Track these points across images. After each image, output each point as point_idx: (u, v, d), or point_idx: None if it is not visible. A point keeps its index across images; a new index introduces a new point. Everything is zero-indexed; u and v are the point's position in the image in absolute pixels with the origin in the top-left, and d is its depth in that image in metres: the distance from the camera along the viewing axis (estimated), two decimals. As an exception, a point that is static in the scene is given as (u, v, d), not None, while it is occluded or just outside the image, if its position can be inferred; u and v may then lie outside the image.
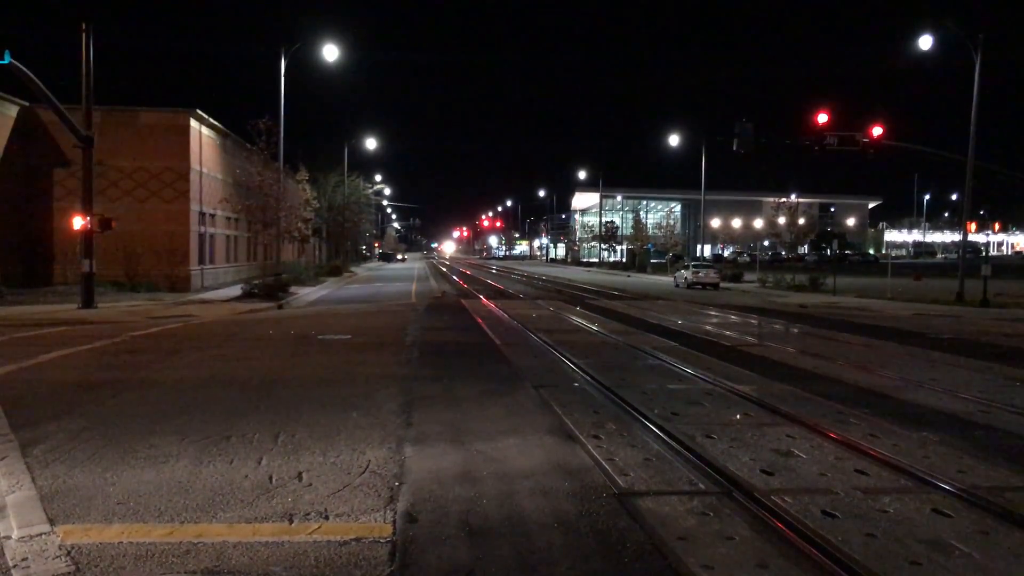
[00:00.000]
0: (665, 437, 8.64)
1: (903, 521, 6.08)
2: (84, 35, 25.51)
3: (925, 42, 32.87)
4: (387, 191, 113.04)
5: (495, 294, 39.43)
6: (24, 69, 22.59)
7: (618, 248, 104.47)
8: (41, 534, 5.70)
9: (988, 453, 8.18)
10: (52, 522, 5.94)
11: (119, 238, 31.97)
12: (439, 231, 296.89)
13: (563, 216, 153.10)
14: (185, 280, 35.80)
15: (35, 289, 31.58)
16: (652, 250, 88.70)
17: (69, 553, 5.37)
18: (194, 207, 36.84)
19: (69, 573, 5.10)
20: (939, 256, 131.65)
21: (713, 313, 27.71)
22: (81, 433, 8.70)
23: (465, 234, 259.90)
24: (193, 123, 36.71)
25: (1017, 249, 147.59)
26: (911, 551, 5.49)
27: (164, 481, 7.00)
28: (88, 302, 25.58)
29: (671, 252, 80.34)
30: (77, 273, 27.54)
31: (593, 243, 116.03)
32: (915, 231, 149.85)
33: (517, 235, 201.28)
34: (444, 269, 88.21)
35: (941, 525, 6.01)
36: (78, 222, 26.07)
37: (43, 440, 8.38)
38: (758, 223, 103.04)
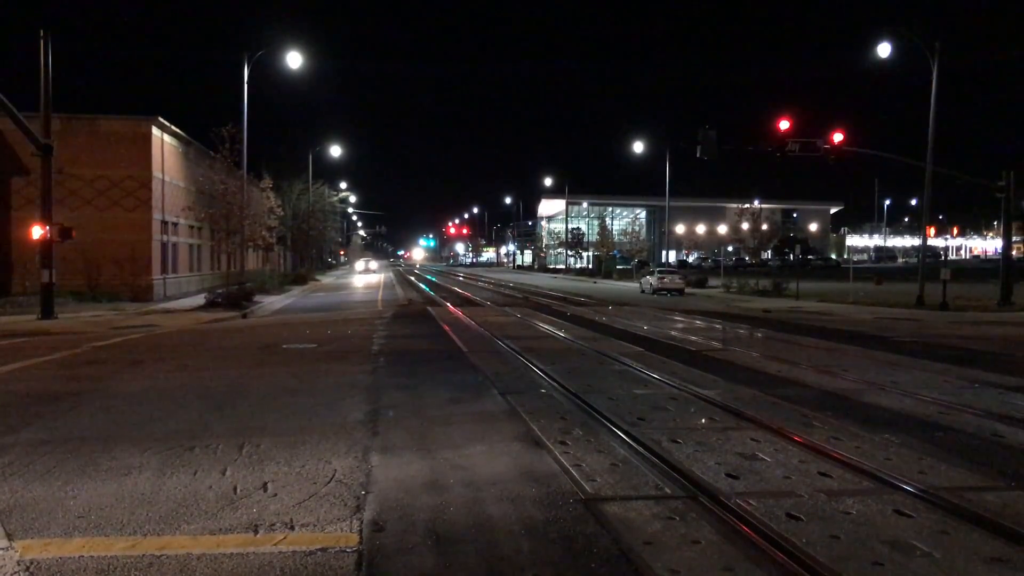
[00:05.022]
0: (631, 442, 8.67)
1: (866, 522, 6.15)
2: (43, 42, 25.17)
3: (884, 49, 33.50)
4: (352, 199, 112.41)
5: (462, 301, 39.37)
6: (-20, 76, 22.22)
7: (584, 254, 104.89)
8: (-1, 549, 5.59)
9: (948, 454, 8.30)
10: (10, 537, 5.83)
11: (80, 248, 31.57)
12: (406, 238, 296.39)
13: (530, 223, 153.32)
14: (147, 290, 35.39)
15: (-8, 300, 31.00)
16: (618, 256, 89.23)
17: (28, 568, 5.27)
18: (156, 216, 36.44)
19: (28, 589, 5.00)
20: (900, 260, 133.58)
21: (678, 318, 27.89)
22: (40, 446, 8.55)
23: (432, 241, 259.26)
24: (155, 131, 36.33)
25: (975, 253, 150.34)
26: (874, 552, 5.56)
27: (126, 493, 6.90)
28: (48, 313, 25.18)
29: (637, 258, 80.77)
30: (36, 283, 27.10)
31: (560, 250, 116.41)
32: (876, 236, 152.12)
33: (484, 242, 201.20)
34: (411, 277, 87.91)
35: (903, 525, 6.09)
36: (37, 231, 25.67)
37: (1, 453, 8.23)
38: (722, 229, 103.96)
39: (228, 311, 29.91)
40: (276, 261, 69.66)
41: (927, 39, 33.39)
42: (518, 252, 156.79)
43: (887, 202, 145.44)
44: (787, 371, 14.40)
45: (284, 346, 18.31)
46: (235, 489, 7.03)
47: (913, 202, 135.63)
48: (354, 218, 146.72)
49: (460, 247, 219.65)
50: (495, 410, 10.65)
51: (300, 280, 60.22)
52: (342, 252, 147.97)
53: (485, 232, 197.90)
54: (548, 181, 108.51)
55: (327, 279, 75.96)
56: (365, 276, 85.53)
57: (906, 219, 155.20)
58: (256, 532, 5.95)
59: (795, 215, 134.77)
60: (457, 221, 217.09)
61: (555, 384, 12.67)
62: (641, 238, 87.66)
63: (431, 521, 6.16)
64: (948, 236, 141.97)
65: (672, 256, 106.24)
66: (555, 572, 5.23)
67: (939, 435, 9.23)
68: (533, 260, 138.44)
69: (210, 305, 31.40)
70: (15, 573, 5.20)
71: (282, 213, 56.75)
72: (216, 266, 48.18)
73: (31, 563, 5.36)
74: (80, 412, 10.53)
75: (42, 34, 25.19)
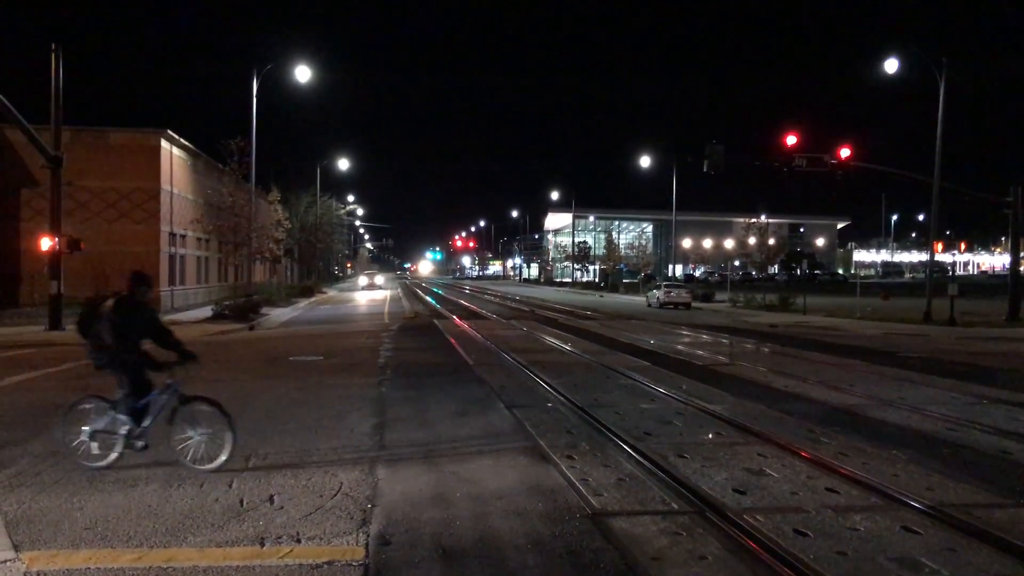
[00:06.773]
0: (638, 457, 8.66)
1: (873, 539, 6.13)
2: (54, 55, 25.34)
3: (891, 65, 33.51)
4: (360, 211, 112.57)
5: (468, 314, 39.36)
6: (-8, 89, 22.36)
7: (591, 268, 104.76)
8: (6, 561, 5.59)
9: (956, 470, 8.27)
10: (17, 548, 5.84)
11: (88, 259, 31.61)
12: (412, 251, 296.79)
13: (536, 236, 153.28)
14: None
15: (1, 311, 31.09)
16: (624, 270, 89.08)
17: (35, 580, 5.29)
18: (164, 228, 36.55)
19: (35, 600, 5.01)
20: (907, 276, 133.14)
21: (685, 333, 27.85)
22: (48, 457, 8.56)
23: (438, 254, 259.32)
24: (164, 143, 36.48)
25: (983, 269, 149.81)
26: (881, 568, 5.54)
27: (133, 505, 6.91)
28: (56, 324, 25.23)
29: (643, 272, 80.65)
30: (45, 294, 27.18)
31: (566, 263, 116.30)
32: (883, 251, 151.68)
33: (490, 255, 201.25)
34: (417, 290, 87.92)
35: (911, 542, 6.07)
36: (46, 243, 25.77)
37: (8, 464, 8.25)
38: (729, 243, 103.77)
39: (235, 323, 29.94)
40: (283, 273, 69.74)
41: (934, 55, 33.44)
42: (524, 265, 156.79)
43: (894, 217, 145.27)
44: (794, 386, 14.37)
45: (291, 358, 18.33)
46: (241, 501, 7.03)
47: (920, 217, 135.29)
48: (361, 231, 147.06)
49: (466, 260, 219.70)
50: (501, 424, 10.64)
51: (307, 292, 60.21)
52: (349, 265, 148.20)
53: (491, 245, 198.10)
54: (555, 195, 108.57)
55: (334, 292, 75.94)
56: (370, 292, 73.94)
57: (913, 234, 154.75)
58: (262, 545, 5.95)
59: (802, 230, 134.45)
60: (464, 234, 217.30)
61: (561, 398, 12.66)
62: (647, 252, 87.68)
63: (438, 535, 6.16)
64: (955, 252, 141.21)
65: (679, 270, 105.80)
66: (561, 587, 5.22)
67: (947, 451, 9.20)
68: (539, 273, 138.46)
69: (217, 317, 31.43)
70: (22, 584, 5.21)
71: (289, 226, 56.79)
72: (223, 278, 48.26)
73: (38, 574, 5.37)
74: (87, 423, 10.53)
75: (53, 47, 25.36)
